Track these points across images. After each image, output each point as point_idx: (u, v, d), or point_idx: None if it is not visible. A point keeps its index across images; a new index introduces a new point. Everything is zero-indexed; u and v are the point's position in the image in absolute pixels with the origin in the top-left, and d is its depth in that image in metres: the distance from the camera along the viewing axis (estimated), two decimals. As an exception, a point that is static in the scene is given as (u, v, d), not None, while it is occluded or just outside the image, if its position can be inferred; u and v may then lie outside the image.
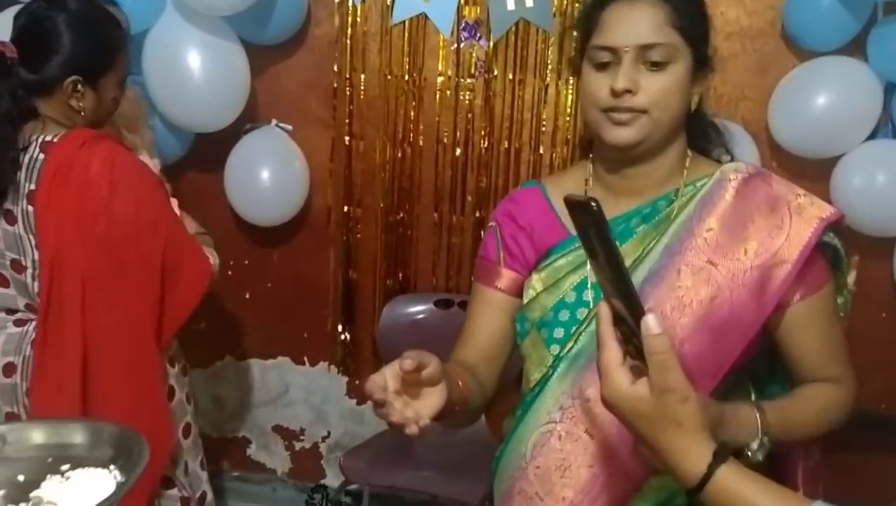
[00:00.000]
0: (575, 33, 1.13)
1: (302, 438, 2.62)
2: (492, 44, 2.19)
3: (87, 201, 1.51)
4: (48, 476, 0.73)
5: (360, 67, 2.28)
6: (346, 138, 2.33)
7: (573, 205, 0.74)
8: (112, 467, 0.71)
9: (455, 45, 2.22)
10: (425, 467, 2.12)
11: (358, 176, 2.36)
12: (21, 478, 0.74)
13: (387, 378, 0.84)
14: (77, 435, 0.77)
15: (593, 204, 0.70)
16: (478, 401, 1.10)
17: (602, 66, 1.03)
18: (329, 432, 2.59)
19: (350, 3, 2.24)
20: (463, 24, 2.21)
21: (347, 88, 2.30)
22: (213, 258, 1.73)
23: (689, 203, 1.05)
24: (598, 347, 0.77)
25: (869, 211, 1.93)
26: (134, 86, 1.91)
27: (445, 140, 2.28)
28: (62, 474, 0.73)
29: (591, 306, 1.05)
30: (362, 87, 2.29)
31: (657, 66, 1.00)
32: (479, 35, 2.21)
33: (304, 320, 2.51)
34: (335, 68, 2.29)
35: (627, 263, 1.02)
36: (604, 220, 0.71)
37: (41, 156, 1.51)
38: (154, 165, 1.93)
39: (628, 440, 0.96)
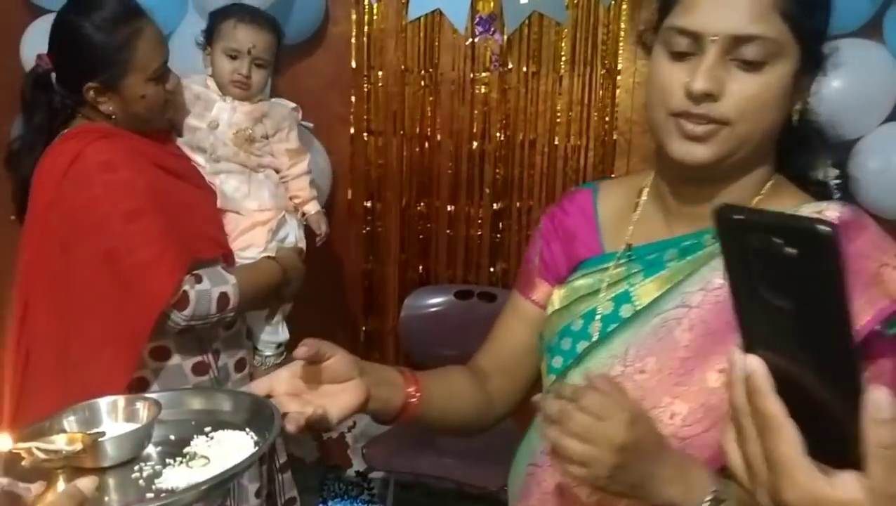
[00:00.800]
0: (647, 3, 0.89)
1: (329, 428, 2.67)
2: (506, 37, 2.22)
3: (40, 193, 1.47)
4: (195, 436, 0.85)
5: (378, 64, 2.33)
6: (365, 134, 2.38)
7: (796, 223, 0.48)
8: (247, 429, 0.83)
9: (470, 40, 2.25)
10: (446, 454, 2.16)
11: (377, 170, 2.40)
12: (172, 437, 0.86)
13: (272, 384, 0.81)
14: (225, 403, 0.91)
15: (828, 229, 0.46)
16: (469, 410, 0.99)
17: (679, 56, 0.78)
18: (355, 423, 2.64)
19: (366, 2, 2.29)
20: (477, 19, 2.24)
21: (365, 85, 2.34)
22: (218, 286, 1.53)
23: None
24: (765, 430, 0.51)
25: (886, 195, 1.91)
26: (269, 105, 1.82)
27: (462, 133, 2.32)
28: (206, 434, 0.85)
29: (593, 340, 0.87)
30: (380, 84, 2.34)
31: (751, 65, 0.75)
32: (493, 29, 2.24)
33: (328, 312, 2.56)
34: (353, 65, 2.34)
35: (639, 307, 0.84)
36: (841, 253, 0.46)
37: None
38: (286, 197, 1.82)
39: None
